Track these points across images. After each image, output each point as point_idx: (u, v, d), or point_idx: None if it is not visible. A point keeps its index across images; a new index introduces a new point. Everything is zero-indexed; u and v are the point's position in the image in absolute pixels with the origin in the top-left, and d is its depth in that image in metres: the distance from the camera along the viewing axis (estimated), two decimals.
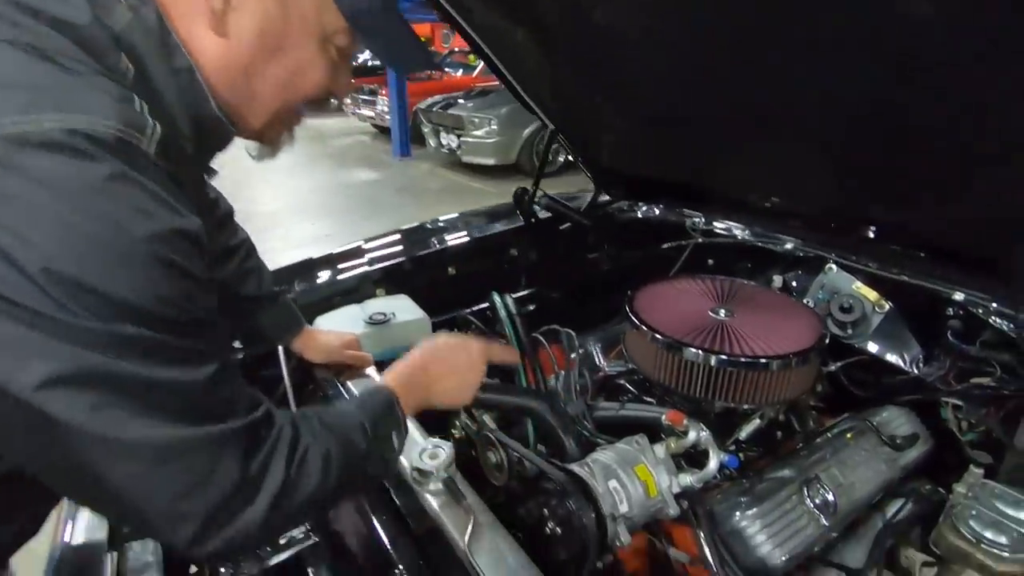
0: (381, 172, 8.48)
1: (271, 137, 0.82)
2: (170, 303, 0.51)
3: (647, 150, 1.83)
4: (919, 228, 1.36)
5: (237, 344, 1.40)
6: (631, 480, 1.05)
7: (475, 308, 1.79)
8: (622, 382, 1.49)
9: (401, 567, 0.85)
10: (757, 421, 1.26)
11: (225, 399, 0.57)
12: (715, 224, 1.92)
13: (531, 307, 1.92)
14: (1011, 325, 1.26)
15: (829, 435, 1.28)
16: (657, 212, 2.14)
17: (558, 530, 1.00)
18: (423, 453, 0.98)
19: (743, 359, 1.19)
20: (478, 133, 7.59)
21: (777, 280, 1.68)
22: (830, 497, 1.09)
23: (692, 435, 1.06)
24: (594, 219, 2.10)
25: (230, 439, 0.55)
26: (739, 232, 1.83)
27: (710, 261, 1.89)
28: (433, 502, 0.92)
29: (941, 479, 1.32)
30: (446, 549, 0.84)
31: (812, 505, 1.07)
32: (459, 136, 7.87)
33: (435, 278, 1.86)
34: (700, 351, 1.22)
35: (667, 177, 1.92)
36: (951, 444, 1.35)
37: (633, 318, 1.36)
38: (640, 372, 1.40)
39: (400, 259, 1.81)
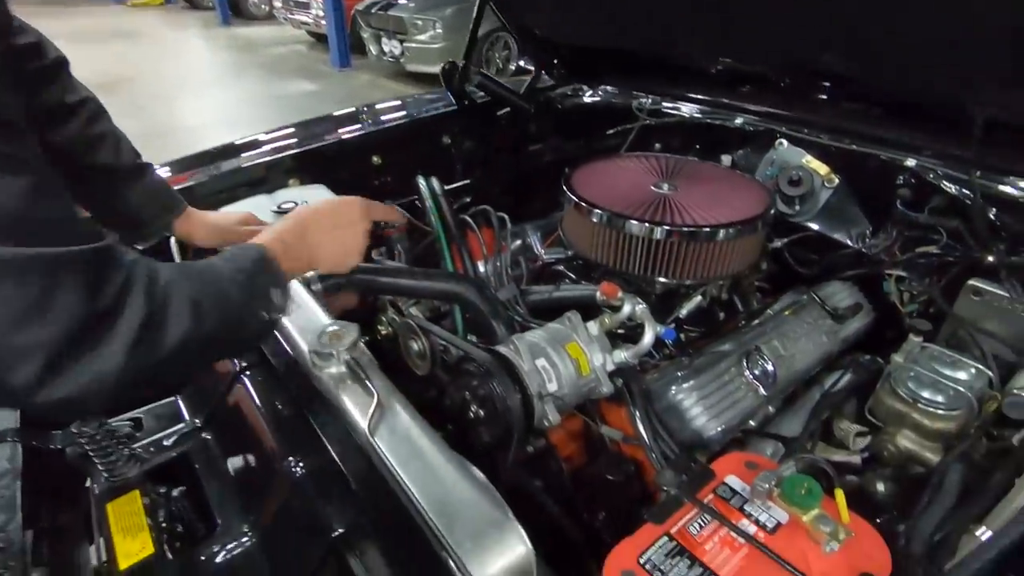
0: (319, 83, 7.86)
1: None
2: None
3: (587, 15, 1.64)
4: (873, 81, 1.25)
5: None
6: (561, 358, 0.96)
7: (403, 200, 1.63)
8: (560, 268, 1.39)
9: (296, 457, 0.75)
10: (698, 298, 1.18)
11: (53, 219, 0.50)
12: (663, 105, 1.78)
13: (467, 199, 1.77)
14: (962, 189, 1.20)
15: (771, 310, 1.23)
16: (602, 96, 1.98)
17: (481, 412, 0.91)
18: (324, 334, 0.86)
19: (686, 228, 1.10)
20: (422, 38, 7.03)
21: (726, 159, 1.58)
22: (769, 367, 1.04)
23: (627, 308, 0.97)
24: (536, 104, 1.93)
25: (66, 264, 0.48)
26: (687, 110, 1.70)
27: (657, 145, 1.77)
28: (333, 385, 0.81)
29: (880, 353, 1.30)
30: (345, 433, 0.74)
31: (751, 376, 1.02)
32: (402, 42, 7.28)
33: (358, 167, 1.68)
34: (642, 223, 1.12)
35: (610, 45, 1.74)
36: (892, 319, 1.32)
37: (570, 194, 1.24)
38: (578, 254, 1.29)
39: (316, 144, 1.61)
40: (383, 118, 1.82)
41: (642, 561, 0.68)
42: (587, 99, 2.00)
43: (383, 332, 1.36)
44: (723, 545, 0.69)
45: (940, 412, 0.94)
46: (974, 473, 0.91)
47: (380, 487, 0.68)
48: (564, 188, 1.27)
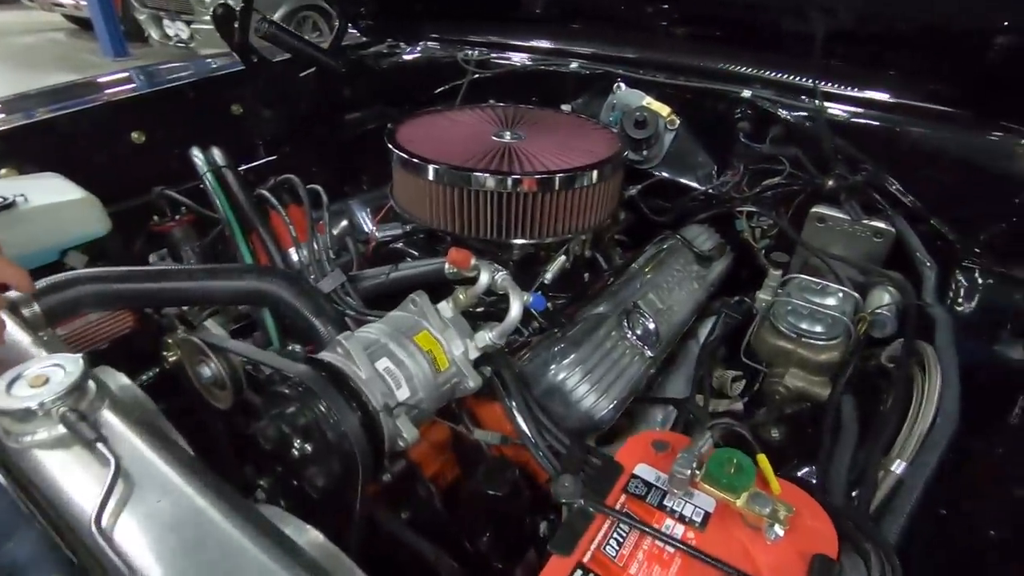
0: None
1: None
2: None
3: None
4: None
5: None
6: (410, 354, 0.74)
7: (184, 187, 1.26)
8: (399, 247, 1.15)
9: None
10: (562, 258, 1.03)
11: None
12: (491, 56, 1.60)
13: (274, 180, 1.44)
14: (798, 115, 1.18)
15: (636, 264, 1.12)
16: (422, 52, 1.75)
17: (308, 448, 0.66)
18: (18, 381, 0.54)
19: (539, 176, 0.92)
20: None
21: (565, 108, 1.44)
22: (651, 325, 0.91)
23: (484, 277, 0.77)
24: (348, 65, 1.64)
25: None
26: (519, 60, 1.54)
27: (491, 100, 1.58)
28: (41, 460, 0.50)
29: (737, 294, 1.27)
30: (58, 538, 0.45)
31: (634, 338, 0.88)
32: (189, 23, 6.32)
33: (113, 149, 1.27)
34: (489, 174, 0.92)
35: None
36: (748, 258, 1.29)
37: (397, 151, 1.00)
38: (417, 224, 1.07)
39: (41, 117, 1.18)
40: (156, 82, 1.42)
41: None
42: (406, 57, 1.76)
43: (171, 358, 1.02)
44: (651, 561, 0.53)
45: (822, 343, 0.89)
46: (860, 399, 0.88)
47: None
48: (389, 145, 1.03)
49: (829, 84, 1.18)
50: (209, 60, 1.60)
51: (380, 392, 0.68)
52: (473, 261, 0.78)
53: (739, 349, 1.06)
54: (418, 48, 1.75)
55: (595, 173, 0.96)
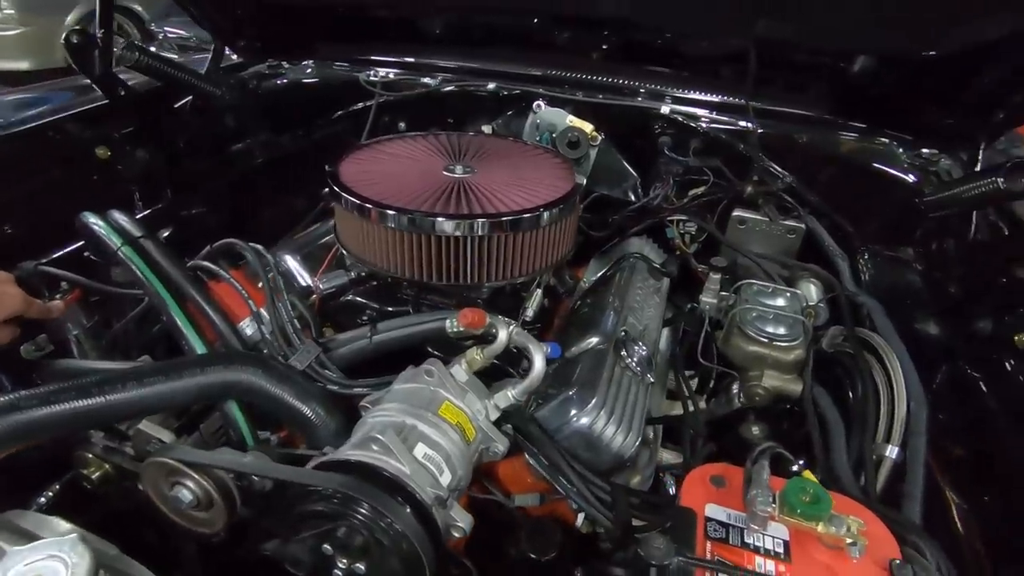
0: None
1: None
2: None
3: None
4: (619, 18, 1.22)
5: None
6: (442, 432, 0.68)
7: (50, 257, 1.03)
8: (351, 299, 1.04)
9: None
10: (539, 293, 1.01)
11: None
12: (391, 75, 1.51)
13: (165, 232, 1.23)
14: (712, 126, 1.27)
15: (597, 284, 1.13)
16: (312, 72, 1.60)
17: (360, 568, 0.57)
18: None
19: (508, 219, 0.89)
20: None
21: (486, 129, 1.41)
22: (644, 352, 0.93)
23: (503, 335, 0.73)
24: (228, 88, 1.45)
25: None
26: (430, 81, 1.47)
27: (401, 124, 1.50)
28: None
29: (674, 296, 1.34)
30: None
31: (635, 366, 0.89)
32: None
33: None
34: (458, 220, 0.87)
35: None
36: (680, 263, 1.36)
37: (348, 196, 0.91)
38: (374, 273, 0.97)
39: None
40: None
41: None
42: (295, 79, 1.60)
43: (93, 477, 0.83)
44: None
45: (788, 343, 0.97)
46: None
47: None
48: (335, 188, 0.93)
49: (736, 99, 1.29)
50: (49, 94, 1.30)
51: (428, 484, 0.62)
52: (488, 319, 0.73)
53: (691, 350, 1.13)
54: (308, 68, 1.60)
55: (562, 207, 0.95)
